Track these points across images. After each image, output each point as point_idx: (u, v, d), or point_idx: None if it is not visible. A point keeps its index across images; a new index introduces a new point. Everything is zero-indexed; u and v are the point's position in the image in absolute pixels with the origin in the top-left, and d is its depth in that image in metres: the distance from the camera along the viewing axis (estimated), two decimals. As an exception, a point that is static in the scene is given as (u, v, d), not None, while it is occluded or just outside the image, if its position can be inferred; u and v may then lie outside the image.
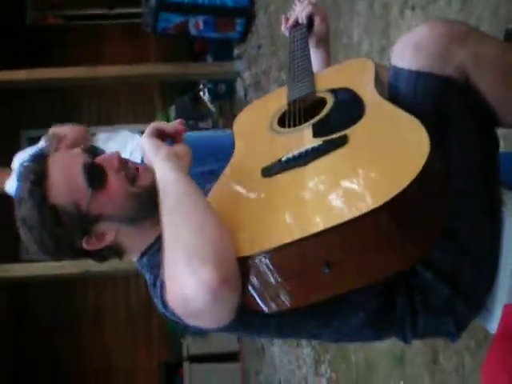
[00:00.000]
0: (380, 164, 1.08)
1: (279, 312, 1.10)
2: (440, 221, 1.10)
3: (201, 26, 6.03)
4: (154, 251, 1.38)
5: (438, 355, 2.43)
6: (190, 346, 6.85)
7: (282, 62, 4.74)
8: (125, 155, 3.20)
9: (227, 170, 1.36)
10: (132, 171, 1.38)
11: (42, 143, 3.06)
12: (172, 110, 7.09)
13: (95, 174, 1.34)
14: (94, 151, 1.41)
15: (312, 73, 1.54)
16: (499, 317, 1.24)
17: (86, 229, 1.35)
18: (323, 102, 1.37)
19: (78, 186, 1.33)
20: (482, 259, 1.26)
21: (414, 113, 1.14)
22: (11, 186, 3.05)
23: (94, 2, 8.06)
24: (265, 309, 1.10)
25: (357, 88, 1.34)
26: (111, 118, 7.53)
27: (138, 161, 3.04)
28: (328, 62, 1.79)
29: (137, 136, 3.20)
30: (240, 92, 6.46)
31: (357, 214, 0.99)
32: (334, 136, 1.20)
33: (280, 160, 1.22)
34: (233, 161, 1.39)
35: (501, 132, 1.36)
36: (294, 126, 1.34)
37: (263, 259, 1.05)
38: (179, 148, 1.31)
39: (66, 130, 3.08)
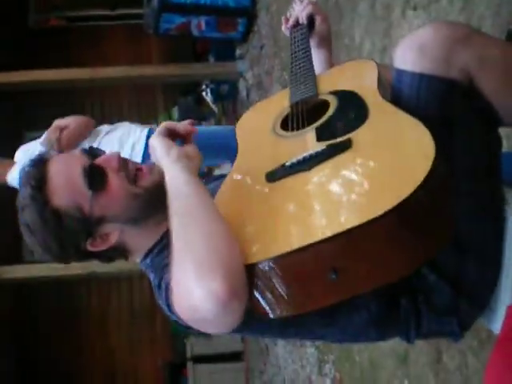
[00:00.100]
0: (385, 169, 1.08)
1: (285, 317, 1.10)
2: (449, 223, 1.10)
3: (203, 26, 6.03)
4: (158, 251, 1.38)
5: (441, 355, 2.43)
6: (194, 346, 6.85)
7: (285, 62, 4.74)
8: (127, 147, 3.21)
9: (231, 174, 1.36)
10: (132, 171, 1.38)
11: (44, 136, 3.07)
12: (175, 111, 7.10)
13: (95, 176, 1.34)
14: (93, 153, 1.41)
15: (314, 74, 1.53)
16: (502, 317, 1.24)
17: (90, 230, 1.35)
18: (326, 104, 1.36)
19: (78, 188, 1.34)
20: (486, 259, 1.26)
21: (417, 116, 1.14)
22: (13, 177, 3.06)
23: (95, 3, 8.06)
24: (270, 314, 1.09)
25: (359, 90, 1.33)
26: (114, 119, 7.51)
27: (140, 154, 3.07)
28: (330, 61, 1.78)
29: (138, 128, 3.20)
30: (242, 92, 6.46)
31: (363, 219, 0.99)
32: (337, 140, 1.19)
33: (284, 165, 1.22)
34: (236, 165, 1.38)
35: (504, 131, 1.36)
36: (297, 129, 1.34)
37: (269, 266, 1.05)
38: (190, 148, 1.31)
39: (69, 121, 3.09)
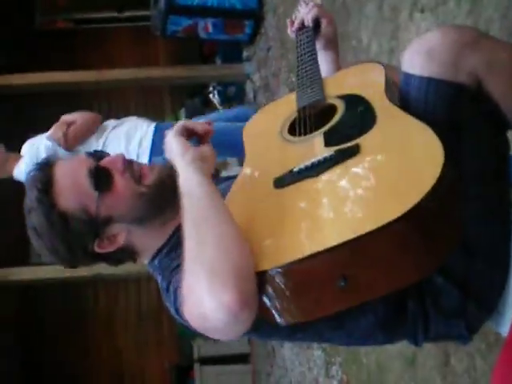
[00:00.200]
0: (394, 175, 1.07)
1: (294, 324, 1.10)
2: (457, 228, 1.10)
3: (210, 28, 6.03)
4: (166, 253, 1.39)
5: (449, 358, 2.42)
6: (201, 348, 6.84)
7: (292, 64, 4.73)
8: (134, 142, 3.23)
9: (239, 180, 1.36)
10: (137, 172, 1.39)
11: (51, 131, 3.08)
12: (182, 113, 7.11)
13: (101, 177, 1.35)
14: (98, 155, 1.42)
15: (320, 78, 1.53)
16: (510, 320, 1.24)
17: (97, 232, 1.36)
18: (333, 108, 1.36)
19: (85, 190, 1.35)
20: (494, 262, 1.26)
21: (425, 120, 1.13)
22: (20, 171, 3.07)
23: (102, 6, 8.07)
24: (280, 321, 1.09)
25: (366, 94, 1.33)
26: (121, 120, 7.53)
27: (148, 150, 3.08)
28: (337, 63, 1.78)
29: (145, 123, 3.21)
30: (249, 94, 6.46)
31: (373, 226, 0.99)
32: (345, 145, 1.19)
33: (292, 170, 1.22)
34: (244, 170, 1.38)
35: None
36: (305, 134, 1.34)
37: (278, 273, 1.05)
38: (206, 149, 1.31)
39: (76, 116, 3.11)
